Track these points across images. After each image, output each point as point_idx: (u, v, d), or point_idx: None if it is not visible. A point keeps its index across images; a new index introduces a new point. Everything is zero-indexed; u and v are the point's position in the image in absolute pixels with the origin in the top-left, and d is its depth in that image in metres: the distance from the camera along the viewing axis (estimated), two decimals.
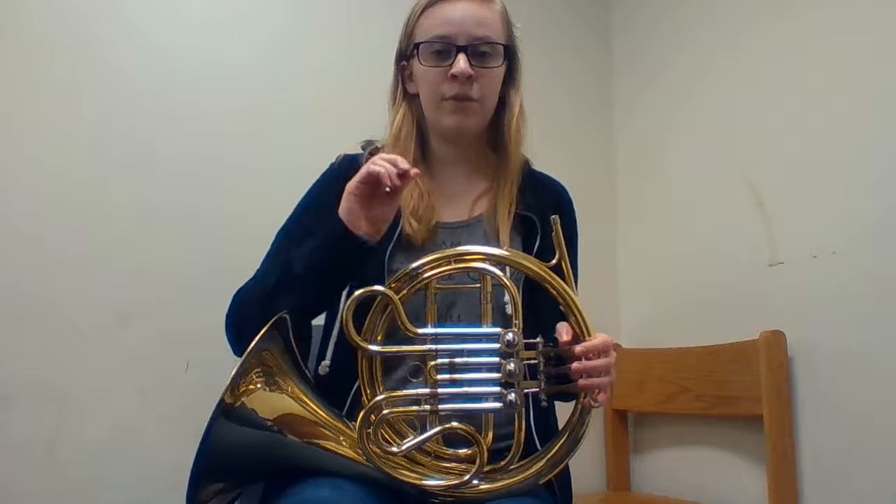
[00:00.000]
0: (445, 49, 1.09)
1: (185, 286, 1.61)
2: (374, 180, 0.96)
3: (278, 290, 1.00)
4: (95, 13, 1.61)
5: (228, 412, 0.86)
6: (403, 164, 0.96)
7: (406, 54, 1.15)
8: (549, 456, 0.95)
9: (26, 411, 1.45)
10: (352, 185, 0.97)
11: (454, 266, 0.95)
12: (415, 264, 0.95)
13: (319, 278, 1.00)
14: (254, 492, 1.00)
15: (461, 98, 1.09)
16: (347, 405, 1.02)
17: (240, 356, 0.89)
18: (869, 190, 1.49)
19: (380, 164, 0.95)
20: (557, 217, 0.99)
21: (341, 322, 1.04)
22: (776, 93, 1.72)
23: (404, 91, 1.18)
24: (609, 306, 2.14)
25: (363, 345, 0.92)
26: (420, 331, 0.92)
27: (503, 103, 1.16)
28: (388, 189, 0.96)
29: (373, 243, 0.99)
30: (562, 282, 0.97)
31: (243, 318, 1.04)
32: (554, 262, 0.97)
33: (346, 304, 0.90)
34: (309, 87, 1.81)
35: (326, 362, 1.07)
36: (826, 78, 1.61)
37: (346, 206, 0.98)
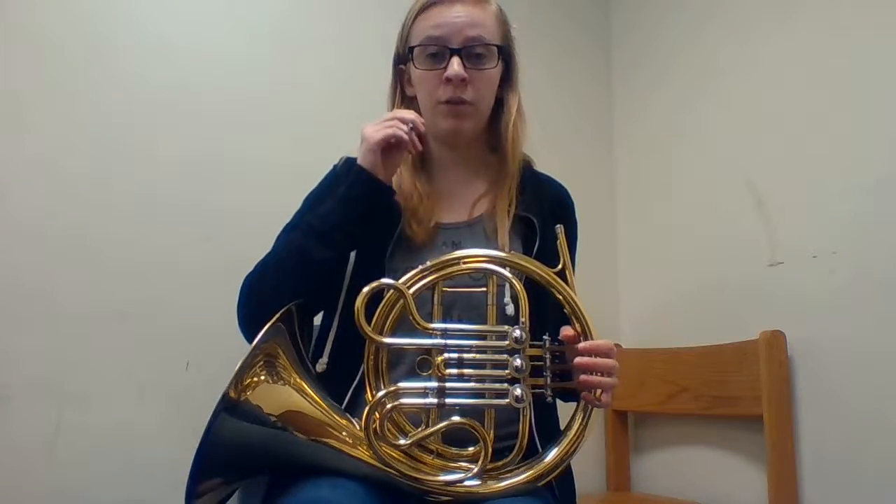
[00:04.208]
0: (439, 52, 1.10)
1: (186, 284, 1.61)
2: (396, 141, 1.04)
3: (306, 247, 1.03)
4: (97, 9, 1.61)
5: (232, 407, 0.87)
6: (414, 122, 1.06)
7: (403, 58, 1.16)
8: (549, 456, 0.96)
9: (26, 410, 1.45)
10: (374, 143, 1.04)
11: (462, 267, 0.97)
12: (424, 265, 0.97)
13: (345, 228, 1.04)
14: (257, 492, 1.01)
15: (455, 102, 1.09)
16: (347, 402, 1.02)
17: (251, 341, 0.90)
18: (869, 190, 1.50)
19: (402, 129, 1.04)
20: (562, 227, 1.03)
21: (343, 318, 1.05)
22: (776, 94, 1.73)
23: (403, 94, 1.19)
24: (609, 306, 2.14)
25: (375, 336, 0.93)
26: (431, 325, 0.94)
27: (500, 104, 1.17)
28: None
29: (392, 188, 1.08)
30: (567, 287, 0.99)
31: (266, 287, 1.05)
32: (558, 268, 1.00)
33: (360, 297, 0.91)
34: (309, 83, 1.81)
35: (324, 360, 1.07)
36: (826, 79, 1.61)
37: (371, 160, 1.04)
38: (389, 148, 1.05)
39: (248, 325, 1.05)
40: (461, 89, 1.08)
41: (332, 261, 1.05)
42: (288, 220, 1.16)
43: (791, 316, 1.60)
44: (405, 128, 1.04)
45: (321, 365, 1.07)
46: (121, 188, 1.58)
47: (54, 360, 1.48)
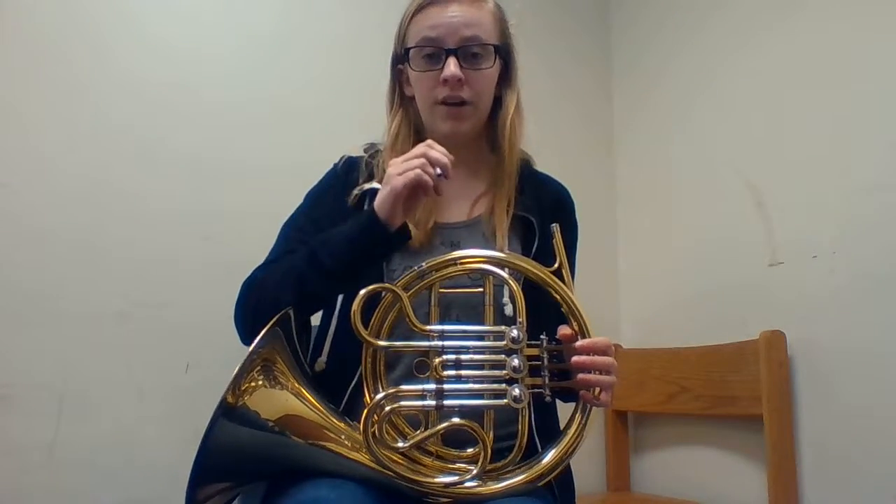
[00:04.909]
0: (435, 53, 1.09)
1: (186, 285, 1.61)
2: (421, 187, 0.96)
3: (307, 279, 1.00)
4: (97, 10, 1.61)
5: (230, 412, 0.86)
6: (446, 163, 0.97)
7: (400, 58, 1.15)
8: (548, 457, 0.96)
9: (26, 410, 1.45)
10: (398, 189, 0.96)
11: (459, 267, 0.97)
12: (422, 265, 0.97)
13: (350, 269, 1.00)
14: (255, 492, 1.00)
15: (453, 101, 1.09)
16: (344, 403, 1.02)
17: (248, 344, 0.90)
18: (869, 190, 1.50)
19: (429, 174, 0.96)
20: (557, 226, 1.02)
21: (342, 318, 1.05)
22: (776, 94, 1.73)
23: (401, 94, 1.18)
24: (609, 306, 2.14)
25: (371, 340, 0.92)
26: (428, 327, 0.94)
27: (499, 102, 1.16)
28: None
29: (405, 233, 1.00)
30: (564, 286, 0.99)
31: (263, 303, 1.01)
32: (555, 267, 1.00)
33: (357, 300, 0.91)
34: (309, 83, 1.81)
35: (323, 359, 1.07)
36: (826, 79, 1.61)
37: (389, 209, 0.97)
38: (414, 191, 0.98)
39: (245, 327, 1.06)
40: (458, 89, 1.08)
41: (330, 295, 1.05)
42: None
43: (791, 316, 1.60)
44: (434, 171, 0.97)
45: (320, 364, 1.07)
46: (121, 188, 1.58)
47: (54, 361, 1.48)
